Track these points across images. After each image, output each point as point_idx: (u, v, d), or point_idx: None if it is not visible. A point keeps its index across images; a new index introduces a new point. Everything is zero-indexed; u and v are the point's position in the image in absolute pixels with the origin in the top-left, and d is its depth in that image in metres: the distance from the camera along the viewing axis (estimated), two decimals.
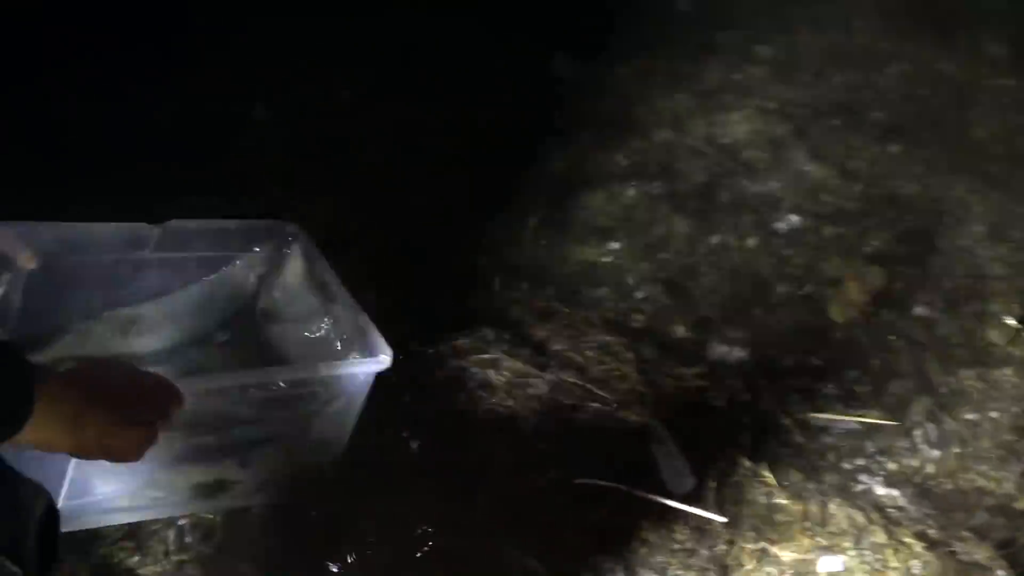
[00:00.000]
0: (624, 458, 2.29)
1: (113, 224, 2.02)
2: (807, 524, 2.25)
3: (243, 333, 2.33)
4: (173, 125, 3.13)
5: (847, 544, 2.21)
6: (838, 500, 2.30)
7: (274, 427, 1.99)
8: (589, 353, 2.54)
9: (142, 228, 2.05)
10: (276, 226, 2.25)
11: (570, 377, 2.46)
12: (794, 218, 3.21)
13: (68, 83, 3.06)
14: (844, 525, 2.26)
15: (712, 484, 2.29)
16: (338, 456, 2.12)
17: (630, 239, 3.07)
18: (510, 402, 2.37)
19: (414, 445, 2.28)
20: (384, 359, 1.92)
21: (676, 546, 2.17)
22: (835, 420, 2.52)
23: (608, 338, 2.59)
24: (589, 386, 2.44)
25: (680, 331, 2.76)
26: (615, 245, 3.04)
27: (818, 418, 2.53)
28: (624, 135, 3.53)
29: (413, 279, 2.76)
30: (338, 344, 2.14)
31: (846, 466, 2.42)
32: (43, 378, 1.31)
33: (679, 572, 2.12)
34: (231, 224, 2.20)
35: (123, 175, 2.86)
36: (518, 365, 2.45)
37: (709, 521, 2.21)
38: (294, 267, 2.26)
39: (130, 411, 1.45)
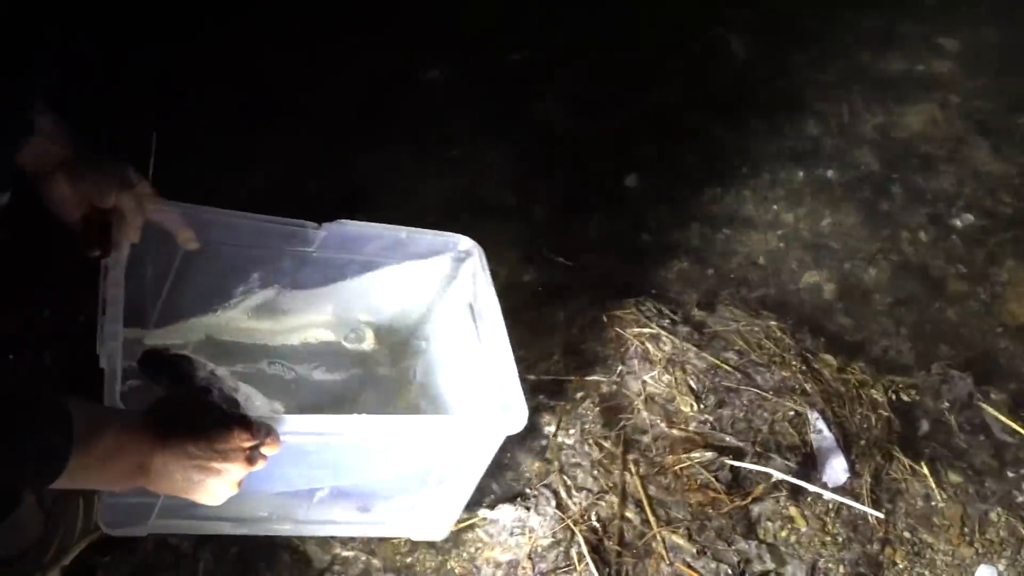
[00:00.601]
0: (780, 444, 2.26)
1: (280, 219, 1.92)
2: (965, 529, 2.20)
3: (387, 348, 2.22)
4: (352, 80, 3.19)
5: (1006, 554, 2.17)
6: (999, 508, 2.25)
7: (386, 475, 1.87)
8: (750, 337, 2.50)
9: (308, 227, 1.94)
10: (451, 240, 2.05)
11: (730, 358, 2.43)
12: (970, 216, 3.11)
13: (272, 39, 3.15)
14: (1004, 534, 2.21)
15: (868, 479, 2.24)
16: (456, 513, 1.99)
17: (797, 224, 3.02)
18: (667, 377, 2.35)
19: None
20: (516, 423, 1.71)
21: (828, 539, 2.13)
22: (1000, 424, 2.45)
23: (770, 323, 2.56)
24: (748, 369, 2.41)
25: (845, 321, 2.71)
26: (780, 231, 2.99)
27: (982, 423, 2.45)
28: (796, 121, 3.47)
29: (578, 244, 2.78)
30: (474, 391, 1.95)
31: (1010, 474, 2.35)
32: (101, 427, 1.30)
33: (829, 565, 2.09)
34: (402, 232, 2.02)
35: (309, 122, 2.94)
36: (677, 341, 2.43)
37: (864, 516, 2.17)
38: (458, 290, 2.09)
39: (206, 460, 1.39)
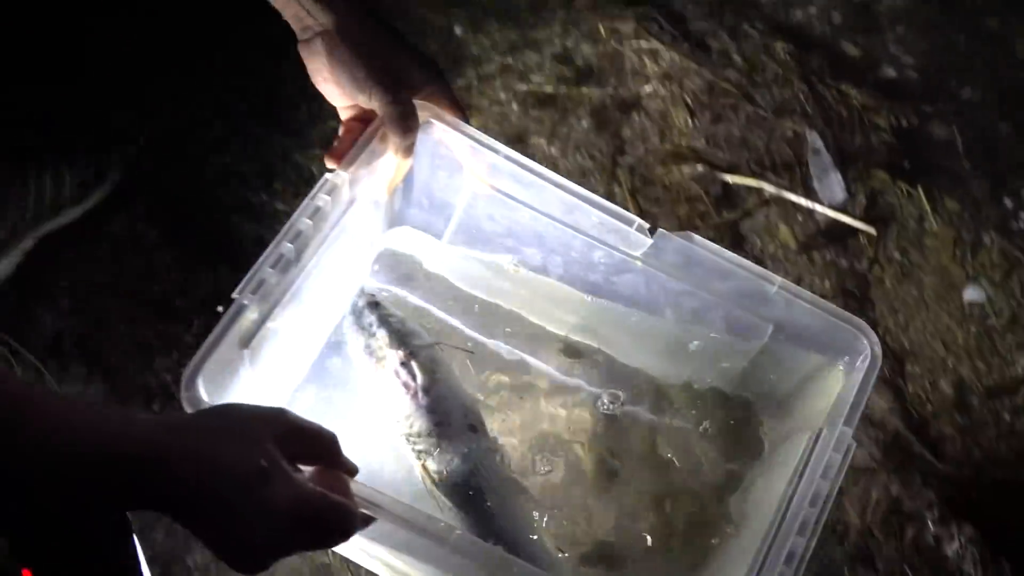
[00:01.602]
0: (775, 162, 2.21)
1: (599, 200, 1.38)
2: (957, 252, 2.17)
3: (654, 417, 1.57)
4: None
5: (996, 277, 2.14)
6: (993, 233, 2.21)
7: None
8: (753, 55, 2.41)
9: (635, 224, 1.38)
10: (843, 325, 1.37)
11: (730, 76, 2.34)
12: None
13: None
14: (995, 258, 2.18)
15: (863, 200, 2.20)
16: None
17: None
18: (664, 93, 2.27)
19: None
20: None
21: (816, 254, 2.11)
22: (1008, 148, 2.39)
23: (775, 43, 2.45)
24: (749, 89, 2.33)
25: (852, 48, 2.59)
26: None
27: (987, 151, 2.39)
28: None
29: None
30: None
31: (1007, 203, 2.30)
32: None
33: (815, 280, 2.07)
34: (774, 281, 1.39)
35: None
36: (676, 57, 2.34)
37: (855, 235, 2.14)
38: (816, 403, 1.41)
39: (197, 520, 0.90)
